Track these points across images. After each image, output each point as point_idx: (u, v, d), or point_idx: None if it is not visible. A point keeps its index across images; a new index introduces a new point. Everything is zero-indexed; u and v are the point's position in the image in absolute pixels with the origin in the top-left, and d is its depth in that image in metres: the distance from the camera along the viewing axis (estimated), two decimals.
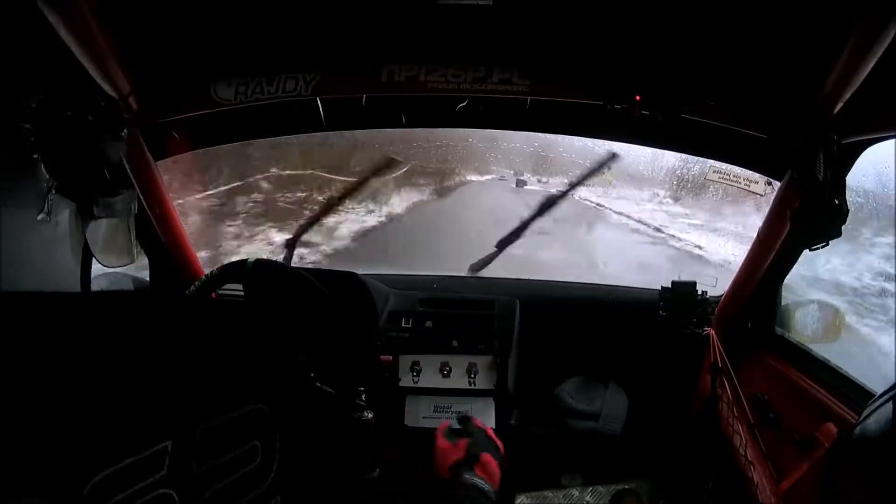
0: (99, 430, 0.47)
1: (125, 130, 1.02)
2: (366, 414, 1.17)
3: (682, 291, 1.49)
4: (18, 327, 0.47)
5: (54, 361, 0.47)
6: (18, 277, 0.75)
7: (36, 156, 0.82)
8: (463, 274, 1.80)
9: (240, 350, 0.65)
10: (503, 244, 1.77)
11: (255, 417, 0.61)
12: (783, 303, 1.45)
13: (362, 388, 1.21)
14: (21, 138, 0.81)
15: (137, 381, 0.52)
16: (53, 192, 0.85)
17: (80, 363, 0.49)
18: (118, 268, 1.11)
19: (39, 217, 0.82)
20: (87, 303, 0.63)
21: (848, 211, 1.12)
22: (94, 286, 1.25)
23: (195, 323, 0.63)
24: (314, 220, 1.98)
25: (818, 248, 1.18)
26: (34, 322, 0.48)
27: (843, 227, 1.12)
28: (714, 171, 1.33)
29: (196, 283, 1.12)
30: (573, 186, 1.79)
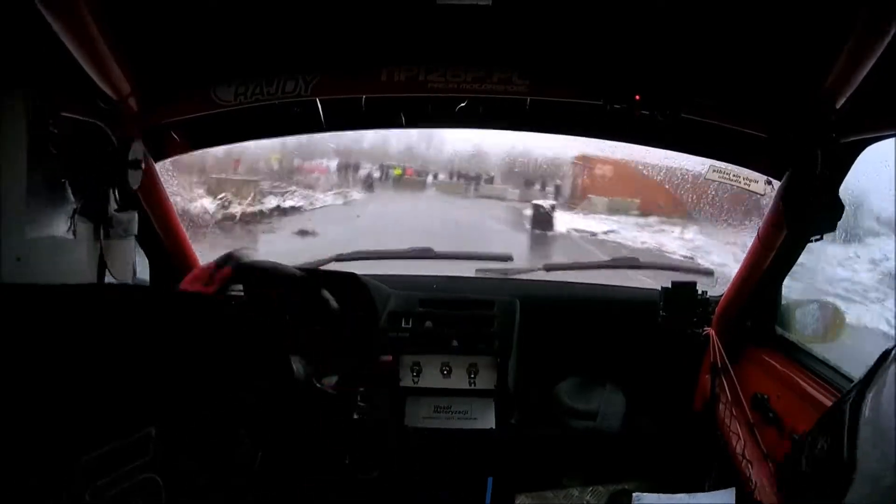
0: (85, 415, 0.48)
1: (143, 165, 1.13)
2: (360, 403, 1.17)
3: (683, 291, 1.49)
4: (10, 317, 0.47)
5: (43, 349, 0.48)
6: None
7: (64, 180, 0.90)
8: (463, 274, 1.80)
9: (228, 342, 0.65)
10: (550, 268, 1.83)
11: (240, 407, 0.61)
12: (783, 302, 1.45)
13: (361, 389, 1.21)
14: (51, 163, 0.88)
15: (123, 367, 0.52)
16: (77, 213, 0.93)
17: (68, 350, 0.49)
18: (125, 280, 1.20)
19: (66, 235, 0.91)
20: (77, 293, 0.64)
21: (843, 207, 1.12)
22: None
23: (185, 314, 0.64)
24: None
25: (814, 241, 1.21)
26: (25, 312, 0.49)
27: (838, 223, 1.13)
28: (714, 171, 1.33)
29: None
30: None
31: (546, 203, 5.17)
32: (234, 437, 0.61)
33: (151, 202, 1.36)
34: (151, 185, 1.34)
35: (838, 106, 0.98)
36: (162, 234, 1.44)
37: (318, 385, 1.13)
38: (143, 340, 0.56)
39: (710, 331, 1.47)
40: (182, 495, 0.54)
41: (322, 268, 1.70)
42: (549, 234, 5.03)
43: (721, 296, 1.51)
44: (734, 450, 1.34)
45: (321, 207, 5.71)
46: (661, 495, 1.36)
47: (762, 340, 1.45)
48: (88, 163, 1.01)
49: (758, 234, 1.31)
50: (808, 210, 1.18)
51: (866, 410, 0.59)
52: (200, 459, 0.57)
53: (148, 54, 1.09)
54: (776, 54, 1.01)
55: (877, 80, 0.89)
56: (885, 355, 0.62)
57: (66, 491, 0.46)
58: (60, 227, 0.89)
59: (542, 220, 5.14)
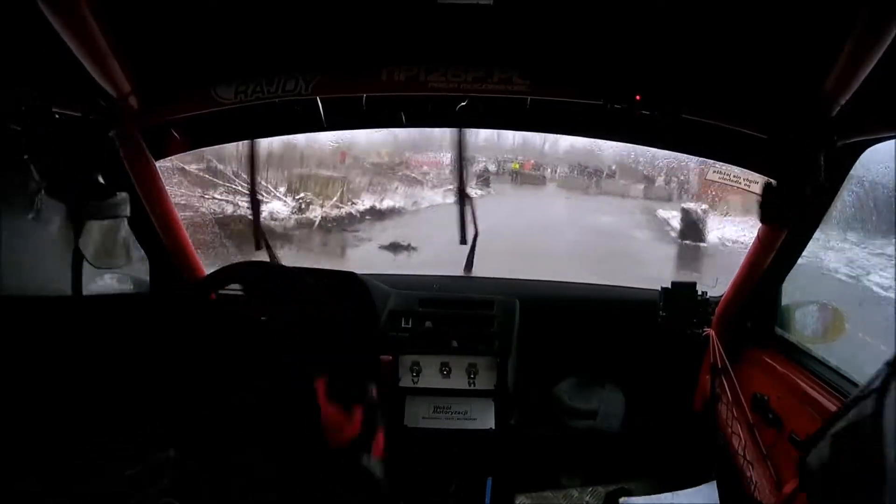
0: (104, 439, 0.48)
1: (112, 131, 1.04)
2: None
3: (682, 292, 1.49)
4: (26, 333, 0.47)
5: (62, 368, 0.48)
6: (7, 277, 0.77)
7: (26, 156, 0.84)
8: (462, 274, 1.80)
9: (228, 343, 0.65)
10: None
11: (241, 409, 0.61)
12: (783, 302, 1.45)
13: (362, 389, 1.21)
14: (11, 140, 0.83)
15: (140, 389, 0.52)
16: (43, 193, 0.87)
17: (85, 370, 0.49)
18: (112, 268, 1.13)
19: (29, 217, 0.85)
20: (90, 308, 0.64)
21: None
22: (97, 289, 1.26)
23: (192, 327, 0.64)
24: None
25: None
26: (42, 328, 0.49)
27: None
28: (714, 172, 1.33)
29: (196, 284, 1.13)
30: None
31: (697, 207, 4.17)
32: (234, 438, 0.61)
33: (152, 201, 1.36)
34: (152, 184, 1.34)
35: (838, 107, 0.98)
36: (162, 234, 1.43)
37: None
38: (145, 346, 0.56)
39: (710, 331, 1.47)
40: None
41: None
42: (703, 246, 4.14)
43: (721, 296, 1.51)
44: (734, 450, 1.34)
45: (427, 208, 4.86)
46: (648, 497, 1.37)
47: (762, 341, 1.45)
48: (56, 145, 0.95)
49: (758, 235, 1.31)
50: (808, 211, 1.18)
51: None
52: (218, 480, 0.57)
53: (148, 53, 1.09)
54: (776, 55, 1.01)
55: (877, 82, 0.89)
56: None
57: None
58: (26, 210, 0.85)
59: (693, 229, 4.05)
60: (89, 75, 1.01)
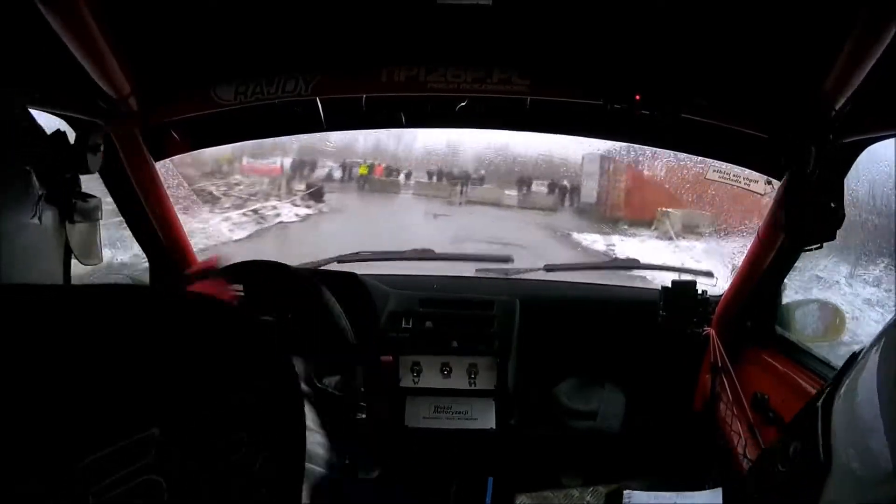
0: (86, 415, 0.48)
1: (102, 148, 1.11)
2: (359, 415, 1.17)
3: (682, 291, 1.49)
4: (7, 317, 0.47)
5: (42, 348, 0.48)
6: (9, 273, 0.83)
7: (28, 168, 0.90)
8: (462, 274, 1.80)
9: (228, 342, 0.65)
10: (551, 269, 1.78)
11: (241, 408, 0.61)
12: (783, 302, 1.45)
13: (362, 389, 1.21)
14: (18, 152, 0.88)
15: (125, 367, 0.52)
16: (43, 199, 0.93)
17: (67, 349, 0.49)
18: (94, 265, 1.20)
19: (32, 220, 0.91)
20: (76, 293, 0.64)
21: (844, 215, 1.12)
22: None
23: (185, 314, 0.64)
24: None
25: (812, 250, 1.19)
26: (23, 311, 0.49)
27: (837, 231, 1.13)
28: (714, 171, 1.33)
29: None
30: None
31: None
32: (235, 438, 0.61)
33: (151, 202, 1.36)
34: (152, 184, 1.35)
35: (838, 106, 0.98)
36: (161, 235, 1.44)
37: (318, 385, 1.14)
38: (144, 340, 0.56)
39: (710, 331, 1.47)
40: (184, 497, 0.54)
41: (322, 268, 1.70)
42: None
43: (721, 296, 1.52)
44: (735, 449, 1.34)
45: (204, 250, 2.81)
46: (651, 493, 1.36)
47: (762, 340, 1.45)
48: (53, 152, 1.00)
49: (758, 234, 1.32)
50: (808, 210, 1.18)
51: (838, 408, 0.59)
52: (203, 461, 0.57)
53: (148, 54, 1.09)
54: (776, 54, 1.01)
55: (877, 81, 0.89)
56: (853, 357, 0.63)
57: (68, 493, 0.46)
58: (26, 213, 0.91)
59: None
60: (89, 76, 1.01)
